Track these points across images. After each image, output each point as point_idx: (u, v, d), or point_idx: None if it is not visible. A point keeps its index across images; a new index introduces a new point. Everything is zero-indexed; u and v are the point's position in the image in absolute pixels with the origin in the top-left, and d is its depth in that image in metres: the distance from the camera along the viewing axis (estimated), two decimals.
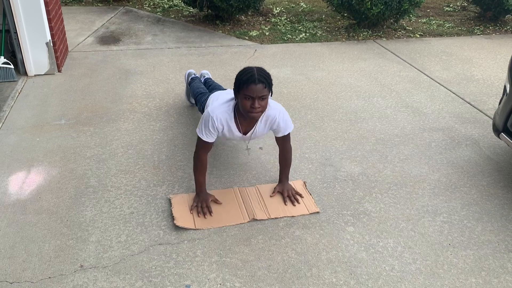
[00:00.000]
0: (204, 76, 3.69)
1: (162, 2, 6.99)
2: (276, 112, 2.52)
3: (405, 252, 2.35)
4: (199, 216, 2.53)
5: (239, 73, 2.34)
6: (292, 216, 2.58)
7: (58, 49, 4.34)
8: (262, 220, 2.54)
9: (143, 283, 2.11)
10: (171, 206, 2.61)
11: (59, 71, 4.35)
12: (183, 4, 6.90)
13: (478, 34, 6.08)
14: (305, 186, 2.84)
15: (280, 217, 2.57)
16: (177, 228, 2.45)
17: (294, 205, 2.66)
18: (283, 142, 2.67)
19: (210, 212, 2.55)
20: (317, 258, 2.30)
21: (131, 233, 2.41)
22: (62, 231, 2.40)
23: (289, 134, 2.65)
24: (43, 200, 2.62)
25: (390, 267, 2.26)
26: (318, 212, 2.62)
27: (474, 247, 2.40)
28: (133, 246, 2.32)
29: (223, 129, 2.52)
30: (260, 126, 2.55)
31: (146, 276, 2.15)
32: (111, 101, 3.83)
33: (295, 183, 2.84)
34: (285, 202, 2.68)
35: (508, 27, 6.33)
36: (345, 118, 3.70)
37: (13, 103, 3.73)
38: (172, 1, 7.07)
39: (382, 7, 5.42)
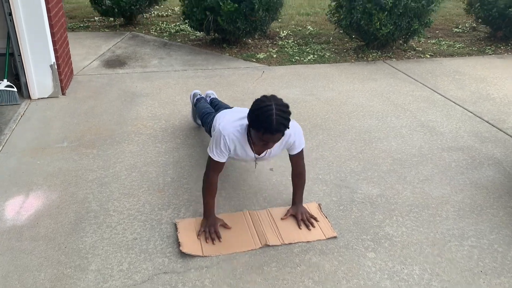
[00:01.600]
0: (210, 97, 3.56)
1: (168, 28, 6.97)
2: (291, 131, 2.36)
3: (433, 280, 2.15)
4: (207, 242, 2.35)
5: (256, 110, 2.12)
6: (308, 242, 2.39)
7: (63, 72, 4.25)
8: (275, 246, 2.35)
9: None
10: (177, 231, 2.43)
11: (63, 94, 4.25)
12: (189, 29, 6.86)
13: (490, 54, 5.96)
14: (320, 208, 2.66)
15: (295, 243, 2.38)
16: (183, 255, 2.26)
17: (309, 229, 2.47)
18: (297, 159, 2.52)
19: (219, 238, 2.37)
20: (337, 287, 2.09)
21: (133, 261, 2.23)
22: (59, 259, 2.23)
23: (302, 150, 2.50)
24: (40, 226, 2.46)
25: None
26: (335, 237, 2.43)
27: (508, 274, 2.19)
28: (136, 275, 2.14)
29: (235, 148, 2.37)
30: (274, 147, 2.40)
31: None
32: (116, 123, 3.70)
33: (309, 205, 2.66)
34: (299, 226, 2.49)
35: None
36: (359, 138, 3.54)
37: (14, 126, 3.61)
38: (179, 26, 7.05)
39: (391, 27, 5.32)
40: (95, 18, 7.49)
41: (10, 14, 3.82)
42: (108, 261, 2.22)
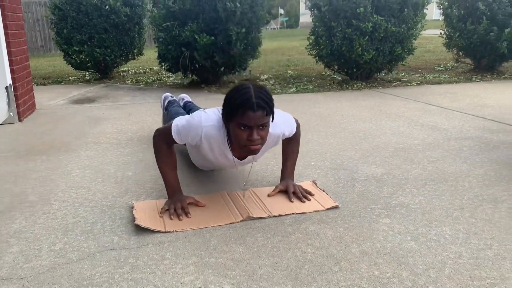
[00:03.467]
0: (183, 99, 3.16)
1: (145, 78, 6.74)
2: (279, 130, 1.91)
3: (471, 239, 1.62)
4: (171, 219, 1.80)
5: (230, 93, 1.74)
6: (303, 213, 1.86)
7: (21, 97, 3.85)
8: (260, 218, 1.81)
9: None
10: (133, 208, 1.89)
11: (20, 121, 3.81)
12: (165, 78, 6.65)
13: (477, 81, 5.76)
14: (316, 185, 2.15)
15: (286, 215, 1.84)
16: (139, 232, 1.71)
17: (303, 201, 1.95)
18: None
19: (187, 214, 1.83)
20: (346, 251, 1.55)
21: (71, 241, 1.66)
22: None
23: (295, 127, 2.05)
24: None
25: (455, 254, 1.51)
26: (337, 207, 1.90)
27: None
28: (72, 253, 1.57)
29: (211, 149, 1.91)
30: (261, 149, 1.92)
31: (83, 284, 1.38)
32: (74, 137, 3.23)
33: (303, 184, 2.15)
34: (290, 199, 1.97)
35: (506, 75, 6.05)
36: (353, 136, 3.11)
37: None
38: (155, 76, 6.83)
39: (374, 52, 5.14)
40: (70, 77, 7.27)
41: None
42: (37, 243, 1.65)
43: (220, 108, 1.89)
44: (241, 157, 1.96)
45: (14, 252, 1.59)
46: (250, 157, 1.97)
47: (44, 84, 6.50)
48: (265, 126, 1.72)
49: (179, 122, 1.86)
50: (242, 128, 1.70)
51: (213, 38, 5.11)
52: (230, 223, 1.77)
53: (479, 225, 1.72)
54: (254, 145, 1.72)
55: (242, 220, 1.79)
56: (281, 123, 1.93)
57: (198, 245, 1.61)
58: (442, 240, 1.61)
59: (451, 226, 1.72)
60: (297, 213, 1.85)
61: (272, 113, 1.74)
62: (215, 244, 1.61)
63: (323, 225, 1.75)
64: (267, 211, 1.86)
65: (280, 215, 1.83)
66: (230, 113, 1.72)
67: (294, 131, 2.02)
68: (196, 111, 1.93)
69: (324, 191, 2.06)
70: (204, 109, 2.46)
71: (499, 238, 1.62)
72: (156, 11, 5.47)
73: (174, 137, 1.86)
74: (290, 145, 2.10)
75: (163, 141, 1.90)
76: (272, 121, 1.78)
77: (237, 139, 1.74)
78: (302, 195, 1.98)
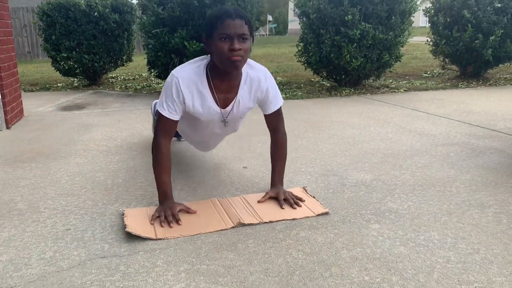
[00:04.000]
0: None
1: (134, 85, 6.73)
2: (261, 73, 1.97)
3: (459, 243, 1.64)
4: (162, 226, 1.80)
5: (209, 14, 1.86)
6: (293, 219, 1.87)
7: (8, 104, 3.81)
8: (251, 224, 1.82)
9: None
10: (123, 215, 1.88)
11: (8, 128, 3.77)
12: (154, 84, 6.64)
13: (463, 88, 5.86)
14: (306, 191, 2.16)
15: (276, 221, 1.85)
16: (130, 240, 1.70)
17: (294, 208, 1.96)
18: (276, 122, 2.11)
19: (178, 221, 1.83)
20: (336, 257, 1.56)
21: (61, 249, 1.65)
22: None
23: (280, 109, 2.09)
24: None
25: (444, 259, 1.53)
26: (327, 213, 1.92)
27: None
28: (62, 262, 1.56)
29: (192, 98, 1.91)
30: (243, 91, 1.97)
31: None
32: (63, 144, 3.21)
33: (292, 190, 2.17)
34: (281, 206, 1.98)
35: (491, 81, 6.16)
36: (342, 142, 3.14)
37: None
38: (145, 82, 6.82)
39: (362, 59, 5.19)
40: (58, 84, 7.22)
41: None
42: (26, 252, 1.64)
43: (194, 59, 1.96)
44: (225, 104, 1.97)
45: (3, 260, 1.58)
46: (234, 104, 1.98)
47: (32, 91, 6.45)
48: (246, 38, 1.76)
49: (159, 103, 1.93)
50: (223, 39, 1.73)
51: (202, 45, 5.12)
52: (221, 230, 1.77)
53: (466, 230, 1.75)
54: (236, 56, 1.74)
55: (233, 227, 1.79)
56: (263, 72, 1.98)
57: (189, 252, 1.61)
58: (430, 245, 1.63)
59: (439, 231, 1.75)
60: (287, 220, 1.86)
61: (251, 28, 1.79)
62: (206, 251, 1.61)
63: (313, 231, 1.76)
64: (258, 217, 1.86)
65: (271, 222, 1.84)
66: (210, 29, 1.77)
67: (278, 102, 2.08)
68: None
69: (314, 197, 2.08)
70: None
71: (486, 242, 1.64)
72: (145, 17, 5.47)
73: (165, 114, 1.89)
74: (278, 151, 2.13)
75: (162, 136, 1.91)
76: (252, 41, 1.82)
77: (219, 53, 1.76)
78: (293, 201, 2.00)
